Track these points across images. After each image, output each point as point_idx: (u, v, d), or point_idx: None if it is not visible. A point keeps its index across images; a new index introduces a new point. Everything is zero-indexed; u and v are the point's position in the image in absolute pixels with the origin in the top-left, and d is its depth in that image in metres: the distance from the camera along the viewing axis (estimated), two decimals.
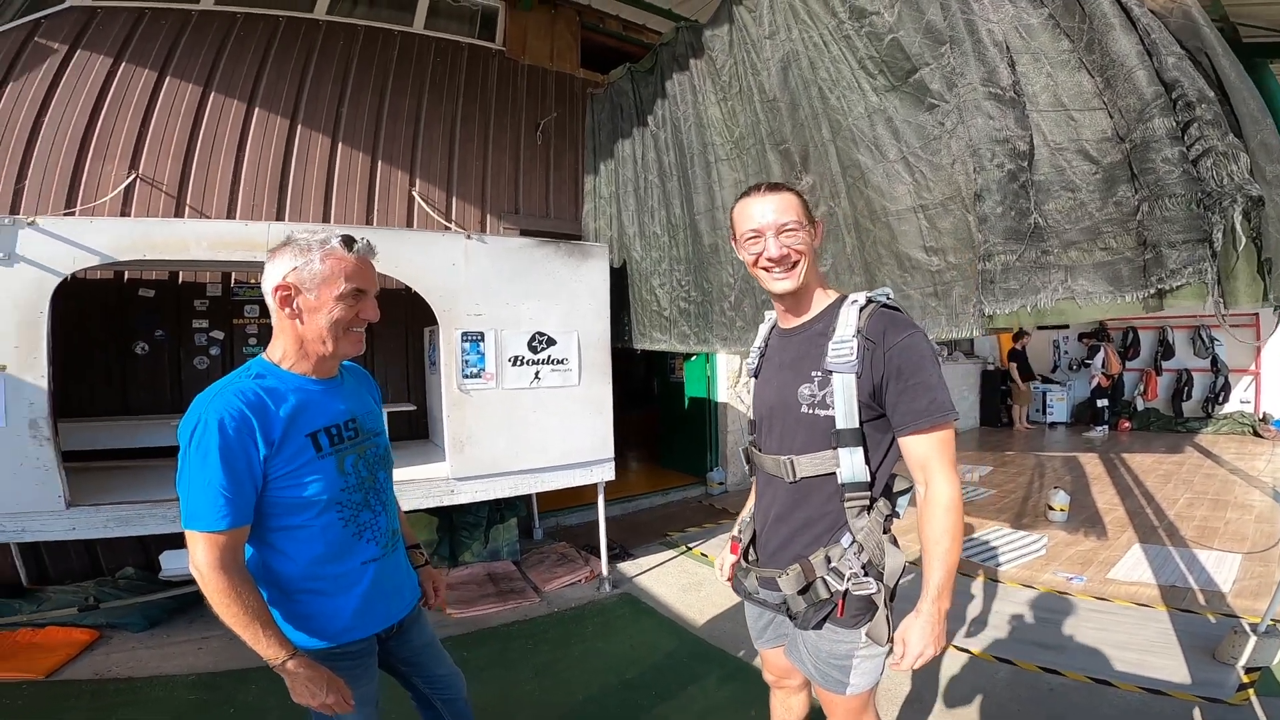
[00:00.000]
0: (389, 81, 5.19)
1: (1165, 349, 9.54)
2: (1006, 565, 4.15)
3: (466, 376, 3.51)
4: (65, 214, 3.85)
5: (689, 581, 4.08)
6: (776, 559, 1.52)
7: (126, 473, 3.62)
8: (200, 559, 1.23)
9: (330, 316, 1.36)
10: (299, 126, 4.78)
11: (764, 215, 1.43)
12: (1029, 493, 6.03)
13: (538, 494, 4.92)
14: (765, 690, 1.90)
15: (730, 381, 6.42)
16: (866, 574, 1.38)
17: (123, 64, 4.38)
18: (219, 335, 4.39)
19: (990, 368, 10.69)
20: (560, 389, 3.79)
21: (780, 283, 1.45)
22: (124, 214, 4.12)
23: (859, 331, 1.37)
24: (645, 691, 2.82)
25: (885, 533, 1.41)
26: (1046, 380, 10.56)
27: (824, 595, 1.41)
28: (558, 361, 3.78)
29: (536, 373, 3.71)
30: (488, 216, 5.37)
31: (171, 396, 4.25)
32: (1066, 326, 10.32)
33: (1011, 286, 2.03)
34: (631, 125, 4.22)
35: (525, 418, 3.68)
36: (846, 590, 1.39)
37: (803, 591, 1.44)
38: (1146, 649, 2.99)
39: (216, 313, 4.41)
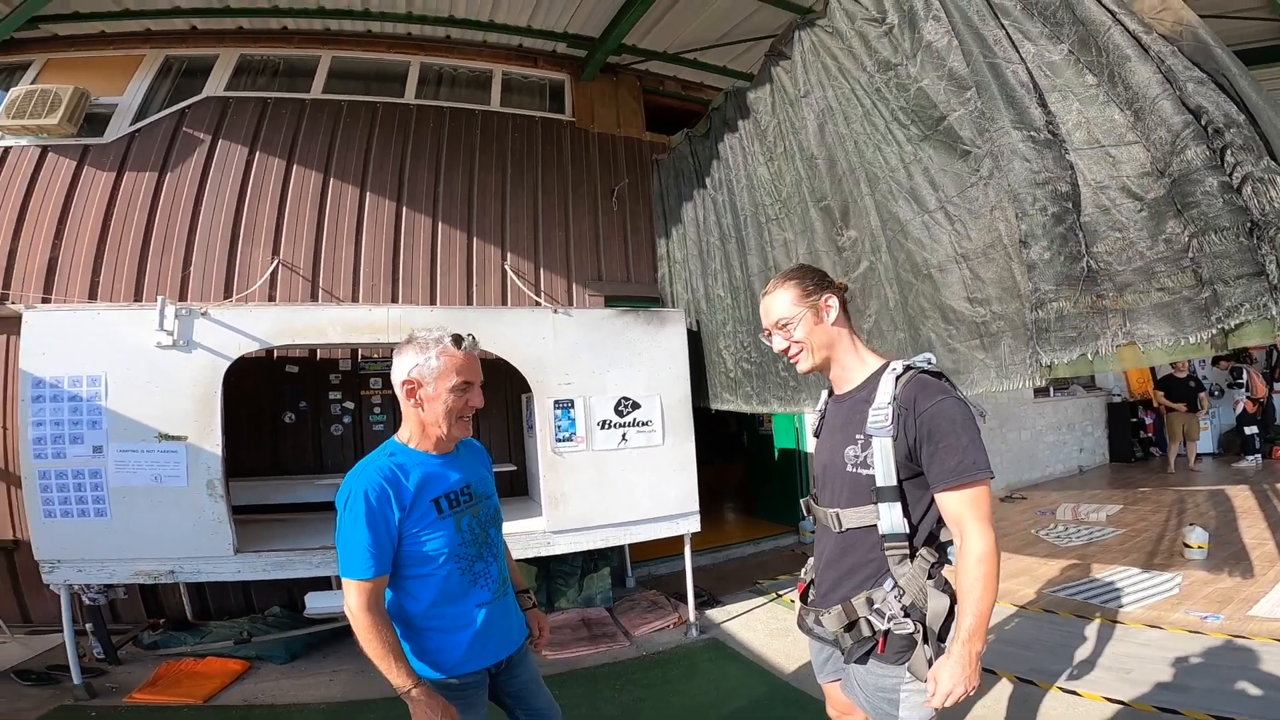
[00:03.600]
0: (476, 158, 5.66)
1: None
2: (1130, 606, 3.87)
3: (559, 440, 3.83)
4: (227, 302, 4.53)
5: (777, 627, 4.10)
6: (827, 600, 1.67)
7: (280, 524, 4.16)
8: (352, 602, 1.53)
9: (445, 405, 1.64)
10: (404, 209, 5.32)
11: (765, 318, 1.70)
12: (1164, 531, 5.52)
13: (630, 544, 5.11)
14: None
15: None
16: (907, 615, 1.50)
17: (257, 152, 5.03)
18: (350, 405, 4.98)
19: (1117, 399, 9.86)
20: (645, 449, 4.03)
21: (798, 365, 1.68)
22: (270, 297, 4.76)
23: (894, 398, 1.52)
24: None
25: (931, 578, 1.52)
26: None
27: (866, 633, 1.55)
28: (643, 423, 4.03)
29: (623, 435, 3.98)
30: (573, 285, 5.69)
31: (314, 459, 4.85)
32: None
33: (1069, 334, 1.93)
34: (693, 189, 4.38)
35: (614, 476, 3.94)
36: (888, 630, 1.51)
37: (848, 629, 1.59)
38: None
39: (347, 385, 4.99)
